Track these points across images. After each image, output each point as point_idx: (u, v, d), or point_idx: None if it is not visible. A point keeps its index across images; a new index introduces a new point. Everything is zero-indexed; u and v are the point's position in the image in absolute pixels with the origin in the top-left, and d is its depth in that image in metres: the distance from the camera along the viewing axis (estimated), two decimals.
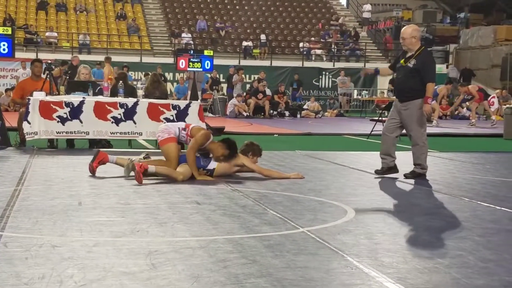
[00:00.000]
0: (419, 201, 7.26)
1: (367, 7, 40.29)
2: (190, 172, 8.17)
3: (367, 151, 12.75)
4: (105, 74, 21.03)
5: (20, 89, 12.23)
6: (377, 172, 8.95)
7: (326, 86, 31.53)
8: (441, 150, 13.26)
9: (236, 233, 5.31)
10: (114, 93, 13.25)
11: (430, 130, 19.17)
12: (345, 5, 42.88)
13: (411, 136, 8.81)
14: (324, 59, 33.39)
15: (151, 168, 7.99)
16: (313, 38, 34.60)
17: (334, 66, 32.15)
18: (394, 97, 9.33)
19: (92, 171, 8.33)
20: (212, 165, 8.39)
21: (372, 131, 16.15)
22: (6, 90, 24.40)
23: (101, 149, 9.06)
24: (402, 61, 8.82)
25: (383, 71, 9.63)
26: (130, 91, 13.23)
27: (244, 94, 26.25)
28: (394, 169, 8.89)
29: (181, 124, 8.74)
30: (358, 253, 4.69)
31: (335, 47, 34.52)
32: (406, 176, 8.80)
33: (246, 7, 36.60)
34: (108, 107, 11.43)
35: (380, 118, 17.01)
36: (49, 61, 14.80)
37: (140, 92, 12.88)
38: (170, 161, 8.19)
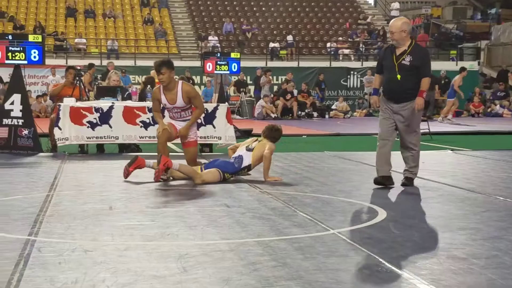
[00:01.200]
0: (451, 200, 7.17)
1: (395, 5, 40.00)
2: (213, 178, 8.17)
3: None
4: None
5: (57, 90, 12.62)
6: (376, 181, 8.05)
7: (355, 86, 31.36)
8: (474, 148, 13.11)
9: (266, 235, 5.29)
10: (142, 98, 13.34)
11: (461, 128, 19.01)
12: (372, 4, 42.62)
13: (407, 139, 8.07)
14: (352, 58, 33.22)
15: (175, 165, 8.09)
16: (340, 38, 34.45)
17: (362, 65, 31.97)
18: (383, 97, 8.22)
19: (126, 174, 8.36)
20: (246, 162, 8.37)
21: None
22: (37, 96, 24.64)
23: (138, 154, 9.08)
24: (393, 58, 7.92)
25: (378, 84, 8.37)
26: None
27: (272, 95, 26.22)
28: (390, 180, 8.04)
29: None
30: (391, 255, 4.64)
31: (363, 46, 34.33)
32: (405, 184, 8.05)
33: (272, 9, 36.57)
34: (137, 112, 11.50)
35: None
36: (78, 67, 14.93)
37: None
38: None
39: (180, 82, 8.68)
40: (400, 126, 8.00)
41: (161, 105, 8.78)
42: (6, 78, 18.99)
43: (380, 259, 4.51)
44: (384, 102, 8.11)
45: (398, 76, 7.87)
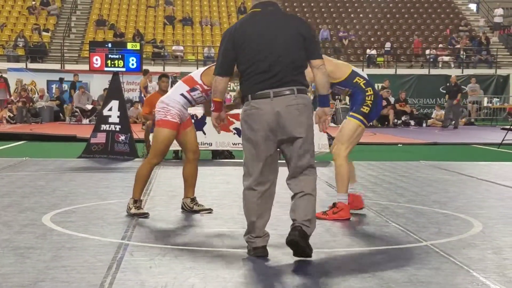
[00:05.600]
0: None
1: (499, 11, 38.80)
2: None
3: (497, 161, 12.27)
4: None
5: (149, 104, 12.63)
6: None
7: None
8: None
9: (356, 245, 5.22)
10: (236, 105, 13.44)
11: None
12: (475, 10, 41.48)
13: None
14: (452, 66, 32.45)
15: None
16: (440, 45, 33.69)
17: (462, 73, 31.17)
18: None
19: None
20: None
21: (503, 140, 15.50)
22: (134, 102, 25.25)
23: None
24: None
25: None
26: None
27: None
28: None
29: (182, 88, 6.53)
30: (485, 269, 4.48)
31: (464, 54, 33.47)
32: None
33: (370, 15, 36.21)
34: (231, 119, 11.58)
35: None
36: (175, 75, 15.25)
37: None
38: (154, 148, 6.51)
39: None
40: None
41: None
42: (106, 85, 19.60)
43: (474, 273, 4.36)
44: None
45: None
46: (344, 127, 6.50)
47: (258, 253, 4.74)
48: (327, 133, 12.32)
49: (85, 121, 23.56)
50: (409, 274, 4.31)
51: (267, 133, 4.69)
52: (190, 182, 6.73)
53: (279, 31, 4.75)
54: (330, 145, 12.42)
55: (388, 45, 33.07)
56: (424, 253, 4.93)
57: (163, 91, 12.76)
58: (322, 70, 4.79)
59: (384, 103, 25.06)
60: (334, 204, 6.39)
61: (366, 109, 6.47)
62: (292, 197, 4.82)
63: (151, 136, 11.45)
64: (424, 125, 25.70)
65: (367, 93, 6.44)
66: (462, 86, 29.87)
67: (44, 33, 31.82)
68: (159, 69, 28.17)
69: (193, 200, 6.69)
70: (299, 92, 4.69)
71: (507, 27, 38.36)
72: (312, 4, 36.94)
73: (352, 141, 6.49)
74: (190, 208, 6.64)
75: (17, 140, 16.21)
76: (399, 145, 16.57)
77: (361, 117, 6.47)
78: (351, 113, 6.52)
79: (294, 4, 36.72)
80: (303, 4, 36.85)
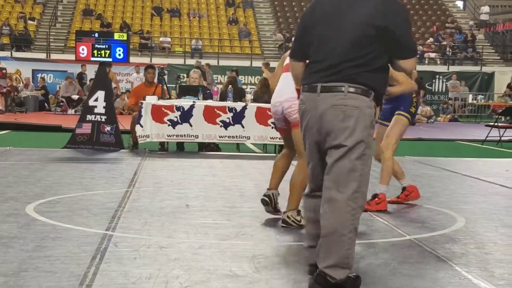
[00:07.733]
0: None
1: (485, 9, 38.99)
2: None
3: (481, 158, 12.34)
4: None
5: (135, 96, 12.63)
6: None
7: (440, 90, 30.74)
8: None
9: None
10: (223, 97, 13.45)
11: None
12: (461, 7, 41.65)
13: None
14: (438, 62, 32.58)
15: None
16: (430, 39, 33.73)
17: (448, 69, 31.32)
18: None
19: None
20: None
21: (487, 137, 15.60)
22: (121, 94, 25.17)
23: None
24: None
25: None
26: (239, 95, 13.37)
27: None
28: None
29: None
30: (467, 263, 4.52)
31: (450, 50, 33.60)
32: None
33: None
34: (217, 111, 11.59)
35: (496, 124, 16.38)
36: (161, 67, 15.25)
37: (249, 97, 13.00)
38: (300, 151, 5.43)
39: None
40: None
41: None
42: (92, 75, 19.49)
43: (456, 267, 4.40)
44: None
45: None
46: (396, 124, 6.83)
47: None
48: None
49: (71, 111, 23.46)
50: (392, 268, 4.34)
51: (314, 134, 3.90)
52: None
53: (350, 15, 3.82)
54: None
55: None
56: (407, 247, 4.96)
57: (149, 83, 12.77)
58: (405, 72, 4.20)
59: None
60: (376, 195, 6.59)
61: (413, 110, 6.89)
62: None
63: (137, 127, 11.44)
64: None
65: (412, 95, 6.80)
66: (447, 83, 30.03)
67: (30, 22, 31.60)
68: (146, 60, 28.06)
69: (299, 212, 5.64)
70: (353, 91, 3.81)
71: (493, 25, 38.56)
72: (302, 4, 36.86)
73: (400, 136, 6.89)
74: (298, 222, 5.63)
75: (0, 129, 16.11)
76: None
77: (409, 116, 6.85)
78: (400, 112, 6.81)
79: (284, 3, 36.67)
80: (293, 3, 36.81)
